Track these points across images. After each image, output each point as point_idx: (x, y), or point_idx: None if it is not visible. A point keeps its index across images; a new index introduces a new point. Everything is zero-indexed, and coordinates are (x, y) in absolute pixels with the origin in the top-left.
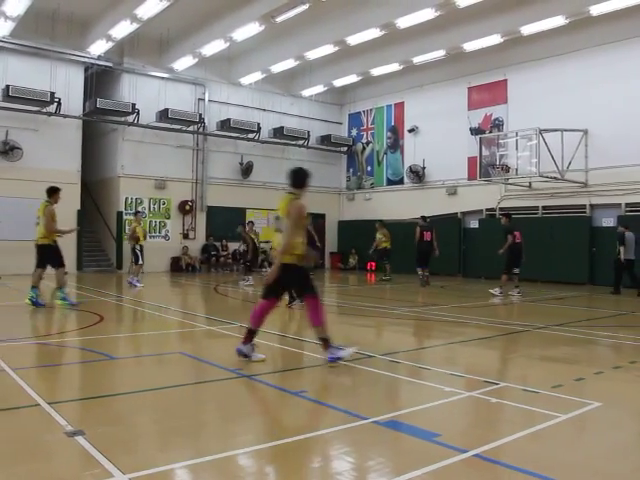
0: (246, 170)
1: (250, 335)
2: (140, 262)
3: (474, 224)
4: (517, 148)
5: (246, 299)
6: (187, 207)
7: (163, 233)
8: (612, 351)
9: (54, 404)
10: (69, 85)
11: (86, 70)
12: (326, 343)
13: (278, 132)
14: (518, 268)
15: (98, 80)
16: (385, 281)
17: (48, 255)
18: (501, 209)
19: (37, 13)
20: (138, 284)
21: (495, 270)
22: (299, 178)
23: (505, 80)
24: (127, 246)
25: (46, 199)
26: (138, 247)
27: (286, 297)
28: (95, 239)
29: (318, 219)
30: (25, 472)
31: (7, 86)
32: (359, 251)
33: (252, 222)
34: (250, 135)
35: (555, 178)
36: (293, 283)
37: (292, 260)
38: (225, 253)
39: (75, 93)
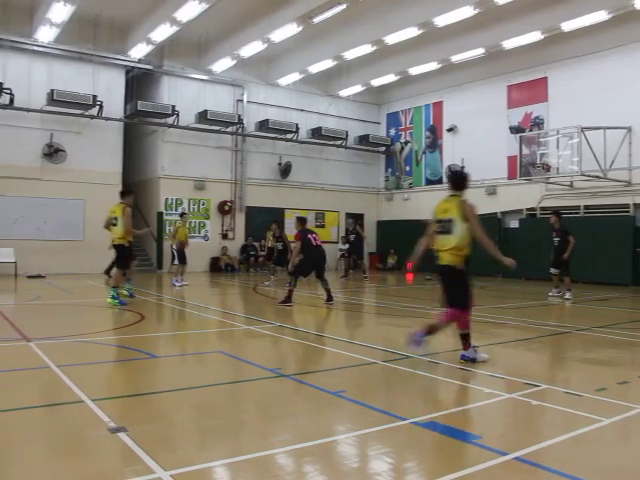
0: (284, 170)
1: (466, 340)
2: (176, 263)
3: (514, 224)
4: (558, 147)
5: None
6: (226, 207)
7: (202, 233)
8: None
9: (97, 401)
10: (111, 88)
11: (127, 73)
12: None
13: (316, 132)
14: (557, 269)
15: (139, 83)
16: (428, 280)
17: (119, 254)
18: (542, 209)
19: (80, 19)
20: (177, 284)
21: (536, 270)
22: (461, 180)
23: (545, 78)
24: (167, 246)
25: (120, 201)
26: (175, 247)
27: (322, 295)
28: (136, 239)
29: (357, 220)
30: (69, 466)
31: (52, 90)
32: (398, 251)
33: (278, 222)
34: (288, 135)
35: (597, 177)
36: (452, 285)
37: (458, 262)
38: (264, 253)
39: (116, 96)
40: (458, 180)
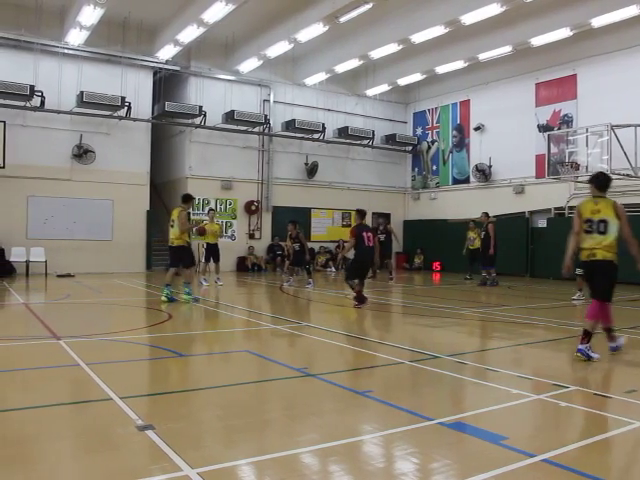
0: (311, 170)
1: (611, 332)
2: (197, 261)
3: (542, 223)
4: (587, 145)
5: (310, 298)
6: (253, 207)
7: (229, 233)
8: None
9: (125, 399)
10: (139, 89)
11: (155, 74)
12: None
13: (343, 132)
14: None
15: (166, 84)
16: (468, 280)
17: (181, 255)
18: (570, 208)
19: (109, 22)
20: (205, 282)
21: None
22: (608, 182)
23: (574, 75)
24: (194, 246)
25: (180, 204)
26: (204, 245)
27: (349, 295)
28: (164, 239)
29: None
30: (98, 463)
31: (81, 92)
32: (425, 251)
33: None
34: (315, 135)
35: (628, 175)
36: (607, 279)
37: (615, 258)
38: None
39: (144, 97)
40: (605, 182)
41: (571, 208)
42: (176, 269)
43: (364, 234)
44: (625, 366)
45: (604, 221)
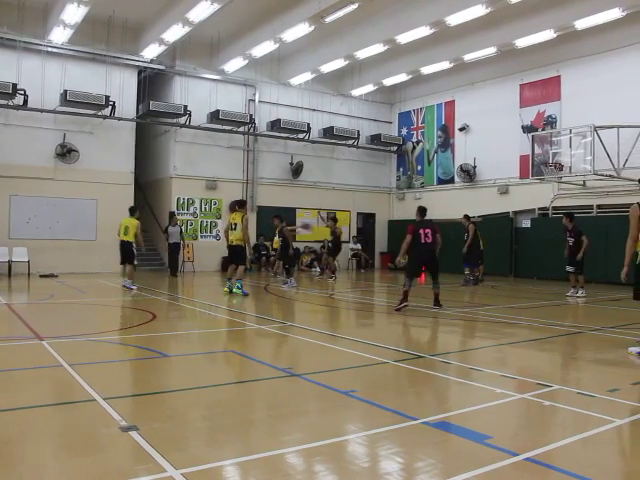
0: (296, 170)
1: None
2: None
3: (526, 223)
4: (571, 146)
5: (295, 299)
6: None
7: (214, 233)
8: None
9: (109, 399)
10: (123, 88)
11: (139, 73)
12: None
13: (328, 132)
14: (573, 267)
15: (151, 83)
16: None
17: (241, 254)
18: (554, 208)
19: (93, 20)
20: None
21: (548, 270)
22: None
23: (558, 76)
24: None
25: (238, 209)
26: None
27: (332, 295)
28: (148, 239)
29: (368, 219)
30: (81, 464)
31: (65, 91)
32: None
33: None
34: (300, 135)
35: (611, 176)
36: None
37: None
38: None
39: (129, 96)
40: None
41: (555, 208)
42: (236, 266)
43: (421, 231)
44: (608, 365)
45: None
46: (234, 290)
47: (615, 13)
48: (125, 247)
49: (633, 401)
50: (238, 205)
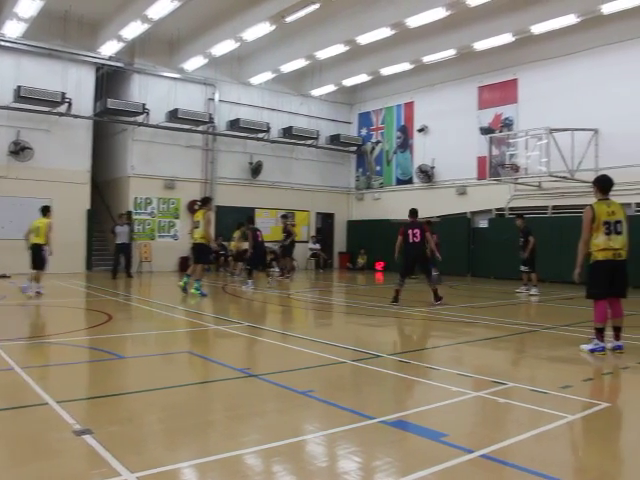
0: (255, 170)
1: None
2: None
3: (483, 224)
4: (527, 148)
5: (253, 299)
6: (196, 207)
7: (172, 233)
8: (621, 352)
9: (62, 403)
10: (80, 85)
11: (97, 70)
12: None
13: (287, 132)
14: (527, 267)
15: (109, 80)
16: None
17: (202, 252)
18: (511, 209)
19: (49, 14)
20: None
21: (505, 270)
22: (612, 184)
23: (515, 79)
24: (134, 246)
25: (201, 206)
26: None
27: (291, 295)
28: (104, 239)
29: (327, 219)
30: (33, 470)
31: (18, 87)
32: (368, 251)
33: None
34: (260, 135)
35: (565, 178)
36: (623, 278)
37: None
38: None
39: (86, 93)
40: (610, 184)
41: (512, 209)
42: (201, 265)
43: (410, 232)
44: (560, 362)
45: (620, 222)
46: (192, 291)
47: (570, 19)
48: (36, 250)
49: (584, 397)
50: (201, 202)
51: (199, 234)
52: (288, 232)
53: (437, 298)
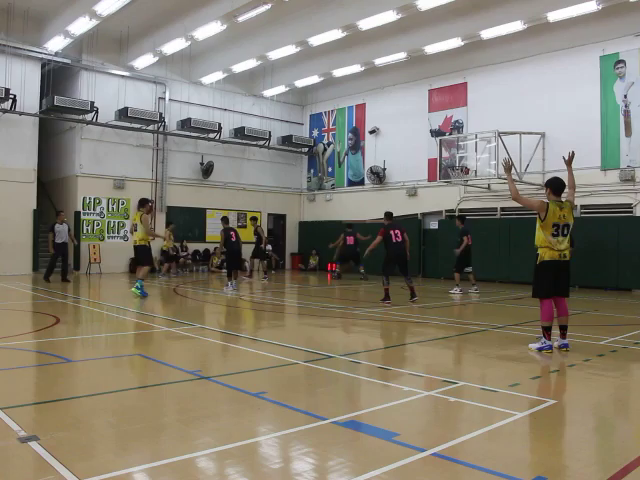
0: (206, 170)
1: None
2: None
3: (434, 225)
4: (476, 150)
5: (206, 300)
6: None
7: (122, 234)
8: (567, 350)
9: (6, 409)
10: (25, 81)
11: (43, 66)
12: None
13: (239, 132)
14: (470, 267)
15: (55, 77)
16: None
17: (144, 254)
18: (460, 210)
19: None
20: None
21: (450, 270)
22: (563, 186)
23: (465, 83)
24: (84, 247)
25: (139, 209)
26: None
27: (244, 296)
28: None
29: (279, 220)
30: None
31: None
32: (320, 252)
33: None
34: (211, 135)
35: (514, 180)
36: (567, 279)
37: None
38: (185, 254)
39: (31, 90)
40: (563, 186)
41: (461, 210)
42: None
43: (392, 232)
44: (509, 361)
45: (569, 225)
46: (132, 289)
47: (517, 25)
48: None
49: (532, 394)
50: (139, 204)
51: (138, 236)
52: (258, 235)
53: (413, 295)
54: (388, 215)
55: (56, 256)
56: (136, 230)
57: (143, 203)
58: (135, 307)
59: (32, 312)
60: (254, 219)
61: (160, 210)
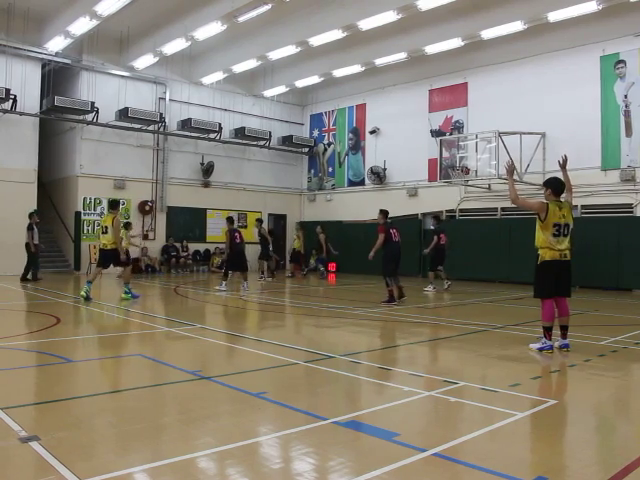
0: (207, 170)
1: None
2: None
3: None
4: (477, 150)
5: (206, 300)
6: (147, 207)
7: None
8: (568, 350)
9: (7, 409)
10: (26, 82)
11: (43, 67)
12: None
13: (239, 132)
14: (442, 266)
15: (56, 77)
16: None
17: (113, 258)
18: (461, 210)
19: None
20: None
21: (453, 270)
22: (563, 187)
23: (465, 83)
24: (85, 247)
25: (110, 211)
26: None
27: (244, 296)
28: (51, 240)
29: (280, 220)
30: None
31: None
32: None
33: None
34: (211, 135)
35: (514, 180)
36: (569, 278)
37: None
38: (185, 254)
39: (32, 90)
40: (563, 186)
41: (462, 211)
42: (101, 268)
43: (392, 231)
44: (510, 361)
45: (568, 225)
46: (122, 296)
47: (517, 26)
48: None
49: (533, 394)
50: (110, 207)
51: (107, 240)
52: (262, 236)
53: (401, 295)
54: (385, 213)
55: (37, 255)
56: (105, 233)
57: (115, 205)
58: (136, 307)
59: (32, 312)
60: (259, 221)
61: (160, 210)
